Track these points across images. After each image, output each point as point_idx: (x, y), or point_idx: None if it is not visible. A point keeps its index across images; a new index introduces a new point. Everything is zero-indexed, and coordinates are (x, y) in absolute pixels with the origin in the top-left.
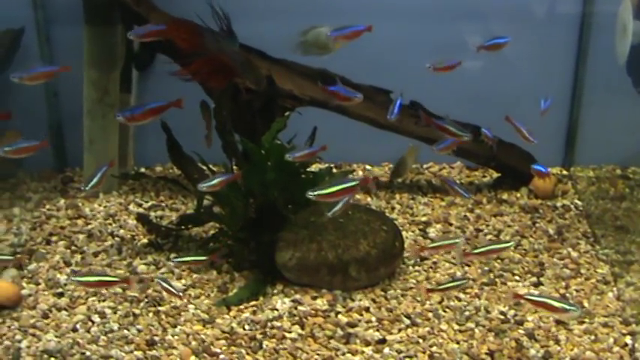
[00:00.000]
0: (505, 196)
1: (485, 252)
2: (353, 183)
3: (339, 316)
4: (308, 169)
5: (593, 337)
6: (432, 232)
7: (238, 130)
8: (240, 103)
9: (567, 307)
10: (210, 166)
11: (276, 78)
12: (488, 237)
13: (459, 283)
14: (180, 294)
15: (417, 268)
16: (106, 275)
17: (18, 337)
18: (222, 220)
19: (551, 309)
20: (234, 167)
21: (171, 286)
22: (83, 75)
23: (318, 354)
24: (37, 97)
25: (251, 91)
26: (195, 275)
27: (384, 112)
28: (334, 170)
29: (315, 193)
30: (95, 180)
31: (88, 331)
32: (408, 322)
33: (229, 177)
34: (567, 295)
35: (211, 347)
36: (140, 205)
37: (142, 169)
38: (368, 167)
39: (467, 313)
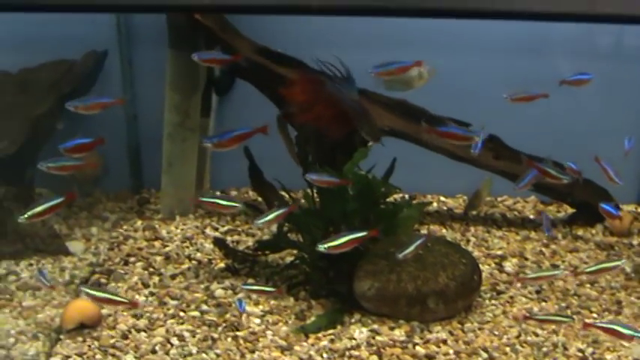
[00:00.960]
0: (580, 232)
1: (596, 271)
2: (361, 234)
3: (417, 347)
4: (388, 200)
5: None
6: (507, 266)
7: (318, 159)
8: (320, 133)
9: (635, 334)
10: (292, 193)
11: None
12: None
13: (562, 318)
14: (49, 284)
15: (493, 301)
16: (116, 295)
17: (98, 356)
18: (300, 247)
19: (620, 336)
20: (315, 196)
21: (44, 277)
22: (165, 98)
23: None
24: (117, 119)
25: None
26: (272, 301)
27: (463, 144)
28: (410, 201)
29: (326, 245)
30: (270, 217)
31: (167, 354)
32: (485, 355)
33: (285, 211)
34: None
35: None
36: (216, 229)
37: (217, 193)
38: (442, 198)
39: (544, 349)
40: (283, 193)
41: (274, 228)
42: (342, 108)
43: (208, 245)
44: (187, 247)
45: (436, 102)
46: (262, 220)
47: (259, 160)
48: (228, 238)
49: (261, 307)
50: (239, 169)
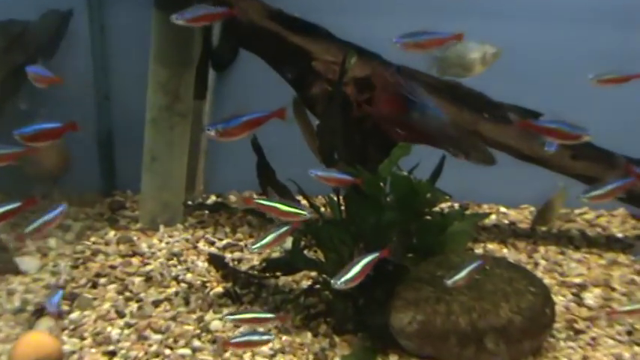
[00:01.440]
0: None
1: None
2: (371, 257)
3: None
4: (434, 210)
5: None
6: (588, 297)
7: (346, 155)
8: (349, 122)
9: None
10: (311, 199)
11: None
12: None
13: None
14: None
15: (570, 343)
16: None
17: None
18: (321, 268)
19: None
20: (342, 203)
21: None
22: (148, 74)
23: None
24: (84, 99)
25: (365, 105)
26: (284, 337)
27: (530, 139)
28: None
29: (342, 280)
30: (267, 240)
31: None
32: None
33: (286, 230)
34: None
35: None
36: (212, 244)
37: (213, 197)
38: (503, 209)
39: None
40: (300, 198)
41: (287, 243)
42: (424, 131)
43: (202, 264)
44: (175, 265)
45: (495, 85)
46: (258, 245)
47: (269, 155)
48: (228, 255)
49: (270, 344)
50: (241, 167)
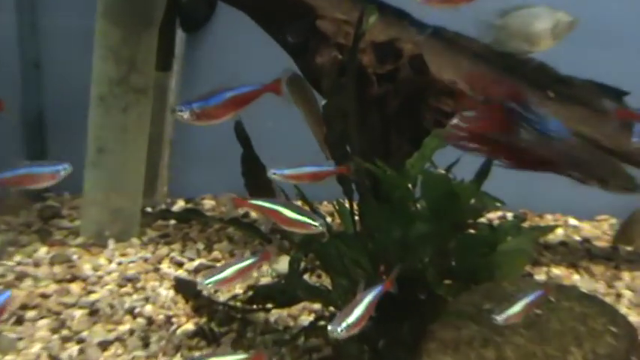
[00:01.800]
0: None
1: None
2: (374, 294)
3: None
4: (481, 220)
5: None
6: None
7: (363, 145)
8: (367, 102)
9: None
10: (316, 205)
11: (430, 59)
12: None
13: None
14: None
15: None
16: None
17: None
18: (327, 298)
19: None
20: (355, 211)
21: None
22: (93, 36)
23: None
24: (7, 67)
25: (387, 80)
26: None
27: (610, 126)
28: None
29: (344, 326)
30: (227, 274)
31: None
32: None
33: (253, 263)
34: None
35: None
36: (180, 265)
37: (181, 203)
38: (573, 222)
39: None
40: (301, 204)
41: (282, 265)
42: (549, 157)
43: (166, 292)
44: (129, 294)
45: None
46: (213, 280)
47: (259, 146)
48: (201, 281)
49: None
50: (219, 163)
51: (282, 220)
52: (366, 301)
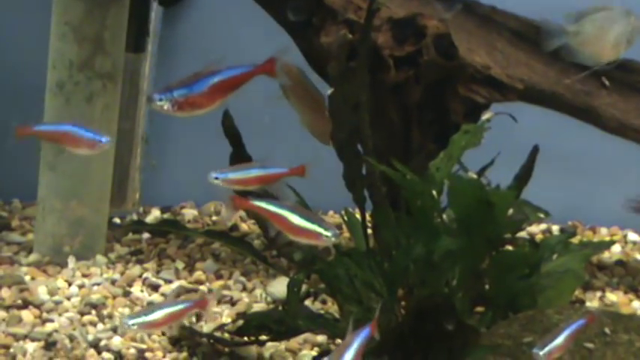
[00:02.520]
0: None
1: None
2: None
3: None
4: (521, 235)
5: None
6: None
7: (376, 144)
8: (383, 91)
9: None
10: (320, 213)
11: (459, 39)
12: None
13: None
14: None
15: None
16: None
17: None
18: (334, 328)
19: None
20: (369, 223)
21: None
22: (51, 10)
23: None
24: None
25: (407, 64)
26: None
27: None
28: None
29: (133, 322)
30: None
31: None
32: None
33: (184, 309)
34: None
35: None
36: (155, 288)
37: (156, 212)
38: (633, 237)
39: None
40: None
41: (278, 289)
42: None
43: None
44: (93, 324)
45: None
46: (137, 321)
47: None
48: (125, 320)
49: None
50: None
51: (288, 227)
52: (354, 348)
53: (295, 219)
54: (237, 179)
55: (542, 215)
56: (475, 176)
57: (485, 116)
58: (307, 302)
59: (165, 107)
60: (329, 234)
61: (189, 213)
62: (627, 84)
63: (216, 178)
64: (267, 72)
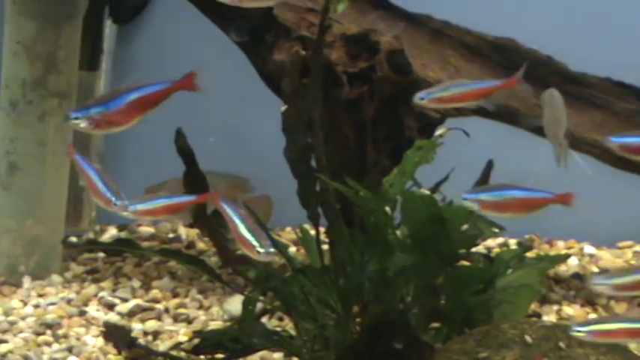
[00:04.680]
0: None
1: None
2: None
3: None
4: (478, 249)
5: None
6: None
7: (330, 161)
8: (336, 107)
9: None
10: (277, 231)
11: (413, 54)
12: None
13: None
14: None
15: None
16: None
17: None
18: (290, 345)
19: None
20: (325, 240)
21: None
22: (3, 29)
23: None
24: None
25: (361, 80)
26: None
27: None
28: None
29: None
30: None
31: None
32: None
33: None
34: None
35: None
36: (111, 307)
37: (113, 231)
38: (590, 249)
39: None
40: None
41: (235, 306)
42: None
43: (93, 340)
44: (48, 344)
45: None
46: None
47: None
48: (137, 326)
49: None
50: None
51: (235, 234)
52: None
53: (240, 228)
54: (143, 210)
55: (496, 230)
56: (428, 192)
57: (438, 132)
58: (264, 319)
59: (82, 125)
60: (261, 249)
61: (146, 231)
62: (580, 97)
63: (124, 207)
64: (187, 87)
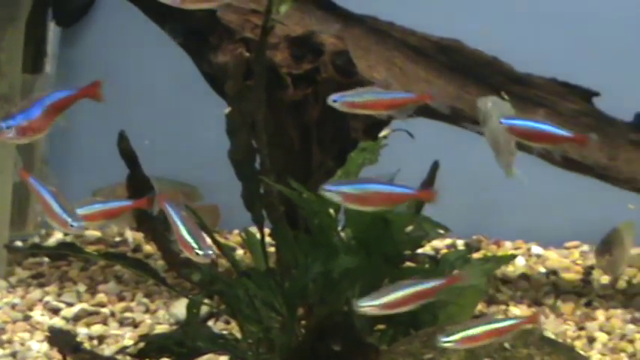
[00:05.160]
0: None
1: None
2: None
3: None
4: (426, 250)
5: None
6: None
7: (274, 163)
8: (281, 109)
9: None
10: (217, 236)
11: (358, 56)
12: None
13: None
14: None
15: None
16: None
17: None
18: (235, 349)
19: None
20: (270, 241)
21: None
22: None
23: None
24: None
25: (305, 82)
26: None
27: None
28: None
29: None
30: None
31: None
32: None
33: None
34: None
35: None
36: (56, 312)
37: (58, 235)
38: (537, 249)
39: None
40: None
41: (181, 310)
42: None
43: (38, 345)
44: None
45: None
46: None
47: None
48: (82, 330)
49: None
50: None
51: (176, 235)
52: None
53: (181, 229)
54: (82, 215)
55: (442, 231)
56: None
57: (382, 133)
58: (210, 323)
59: (10, 135)
60: (200, 251)
61: (92, 234)
62: (525, 98)
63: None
64: (91, 96)
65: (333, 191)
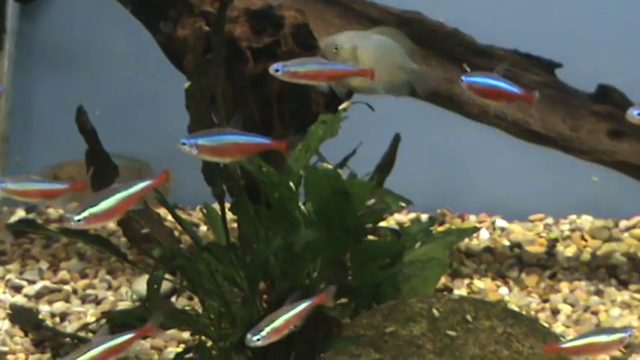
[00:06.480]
0: None
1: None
2: (304, 305)
3: None
4: (381, 225)
5: None
6: None
7: None
8: (241, 83)
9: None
10: (180, 212)
11: (318, 29)
12: None
13: None
14: None
15: None
16: None
17: None
18: (196, 323)
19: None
20: (229, 217)
21: None
22: None
23: None
24: None
25: (266, 56)
26: None
27: (546, 107)
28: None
29: (261, 334)
30: None
31: None
32: None
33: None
34: None
35: None
36: (18, 290)
37: (20, 212)
38: (501, 223)
39: None
40: (166, 211)
41: (144, 286)
42: None
43: (0, 323)
44: None
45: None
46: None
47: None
48: (44, 308)
49: None
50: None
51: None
52: (285, 317)
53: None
54: (17, 190)
55: (403, 204)
56: (331, 167)
57: (342, 106)
58: (173, 299)
59: None
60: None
61: (55, 212)
62: (487, 70)
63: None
64: None
65: (189, 144)
